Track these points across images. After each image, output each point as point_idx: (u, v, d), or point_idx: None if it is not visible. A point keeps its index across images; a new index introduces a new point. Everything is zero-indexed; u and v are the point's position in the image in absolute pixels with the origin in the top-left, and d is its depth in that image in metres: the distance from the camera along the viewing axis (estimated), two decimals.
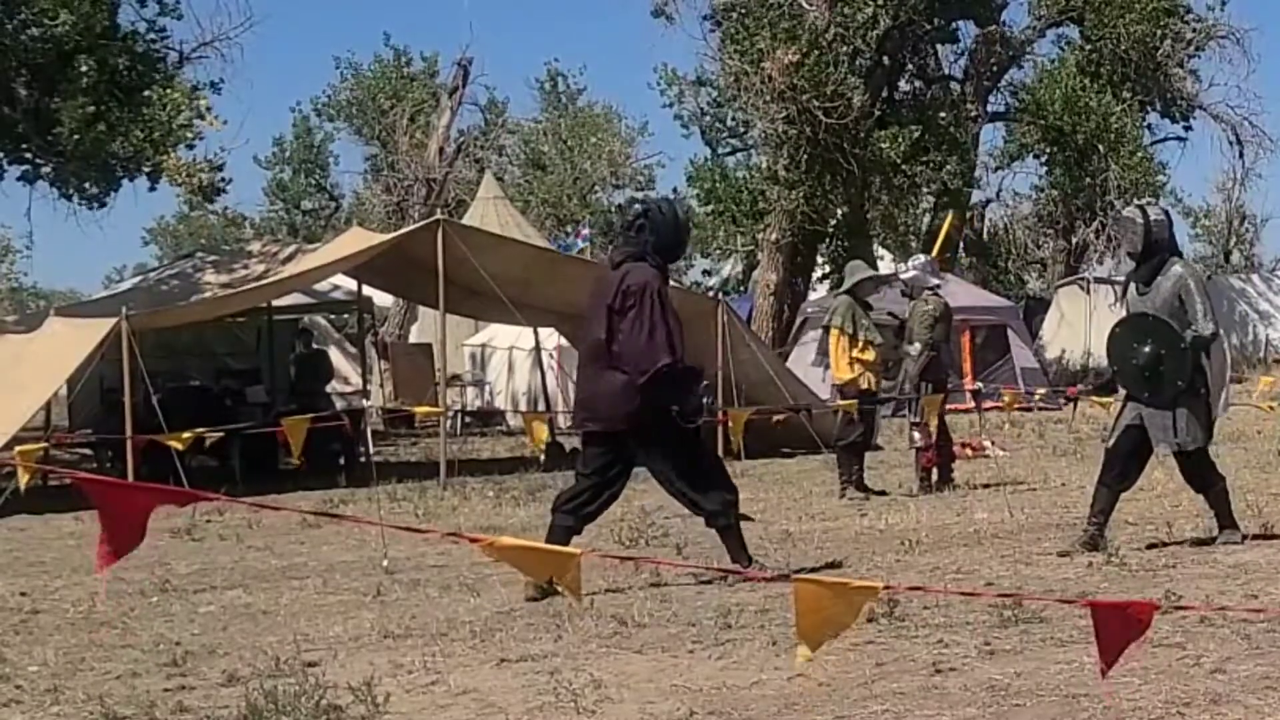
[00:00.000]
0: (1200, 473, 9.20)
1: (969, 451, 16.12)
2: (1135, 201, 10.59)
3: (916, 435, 13.02)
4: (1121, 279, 34.16)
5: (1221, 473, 9.43)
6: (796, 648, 4.26)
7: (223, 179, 20.41)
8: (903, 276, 13.78)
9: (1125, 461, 9.10)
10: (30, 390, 14.99)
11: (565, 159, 42.24)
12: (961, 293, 24.85)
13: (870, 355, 12.94)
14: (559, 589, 7.59)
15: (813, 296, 29.60)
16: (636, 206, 8.66)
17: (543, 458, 15.68)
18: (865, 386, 12.95)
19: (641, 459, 8.41)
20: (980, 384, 21.46)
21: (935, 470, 12.97)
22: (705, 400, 8.30)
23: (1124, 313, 9.37)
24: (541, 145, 42.93)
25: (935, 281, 13.29)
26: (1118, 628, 4.20)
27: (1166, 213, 9.15)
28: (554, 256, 19.83)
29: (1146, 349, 8.85)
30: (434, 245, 15.69)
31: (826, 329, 13.47)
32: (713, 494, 8.33)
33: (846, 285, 13.29)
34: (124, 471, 14.00)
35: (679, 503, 8.59)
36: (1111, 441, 9.23)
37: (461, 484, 14.81)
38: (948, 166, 28.47)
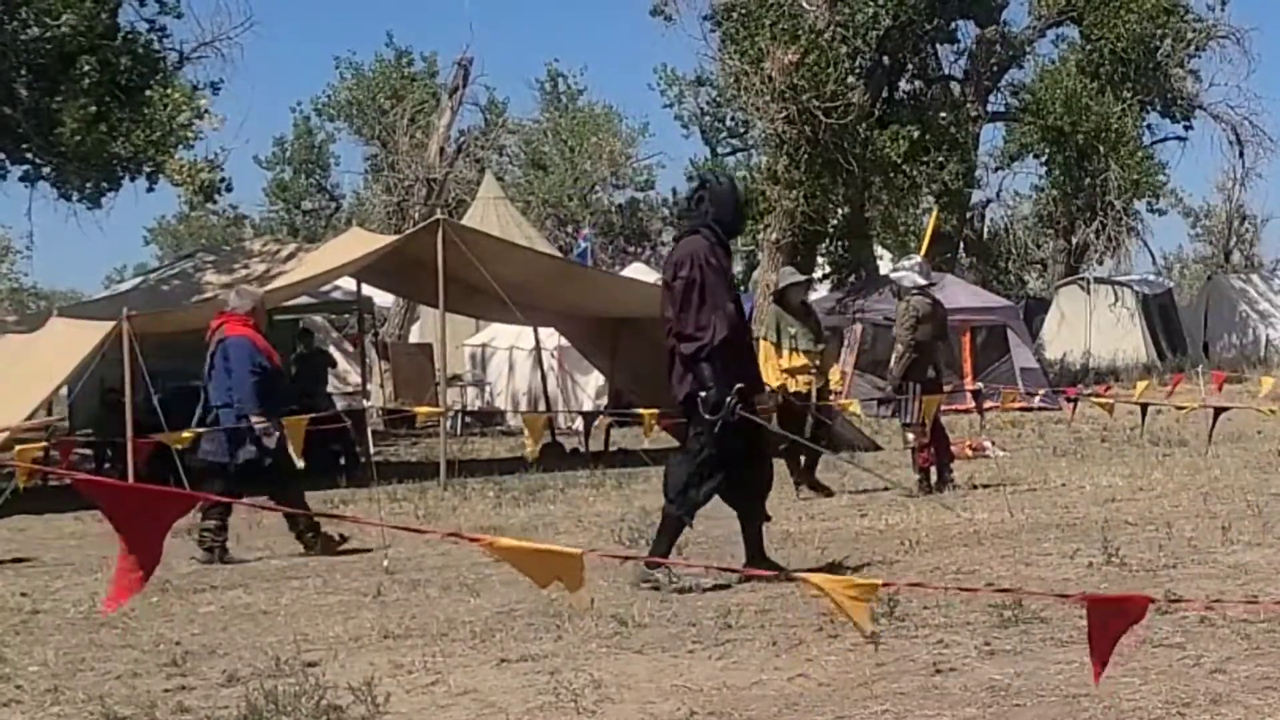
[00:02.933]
0: None
1: (969, 451, 16.12)
2: None
3: (910, 436, 13.03)
4: (1121, 280, 34.02)
5: None
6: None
7: (223, 178, 20.43)
8: (891, 277, 13.88)
9: None
10: (30, 390, 15.00)
11: (565, 159, 42.25)
12: (961, 293, 24.87)
13: (800, 361, 13.00)
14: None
15: (813, 297, 29.60)
16: (695, 181, 8.76)
17: (531, 459, 15.63)
18: (794, 390, 13.01)
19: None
20: (980, 384, 21.46)
21: (934, 470, 12.96)
22: (731, 401, 8.12)
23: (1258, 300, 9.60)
24: (542, 145, 42.94)
25: (922, 281, 13.26)
26: (1112, 623, 4.20)
27: None
28: (553, 263, 19.82)
29: None
30: (434, 246, 15.71)
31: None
32: (681, 482, 8.22)
33: (774, 291, 13.42)
34: (124, 472, 14.00)
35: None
36: None
37: (462, 484, 14.82)
38: (948, 166, 28.48)
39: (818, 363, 13.31)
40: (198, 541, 10.34)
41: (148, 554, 3.78)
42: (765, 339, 13.09)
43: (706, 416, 8.05)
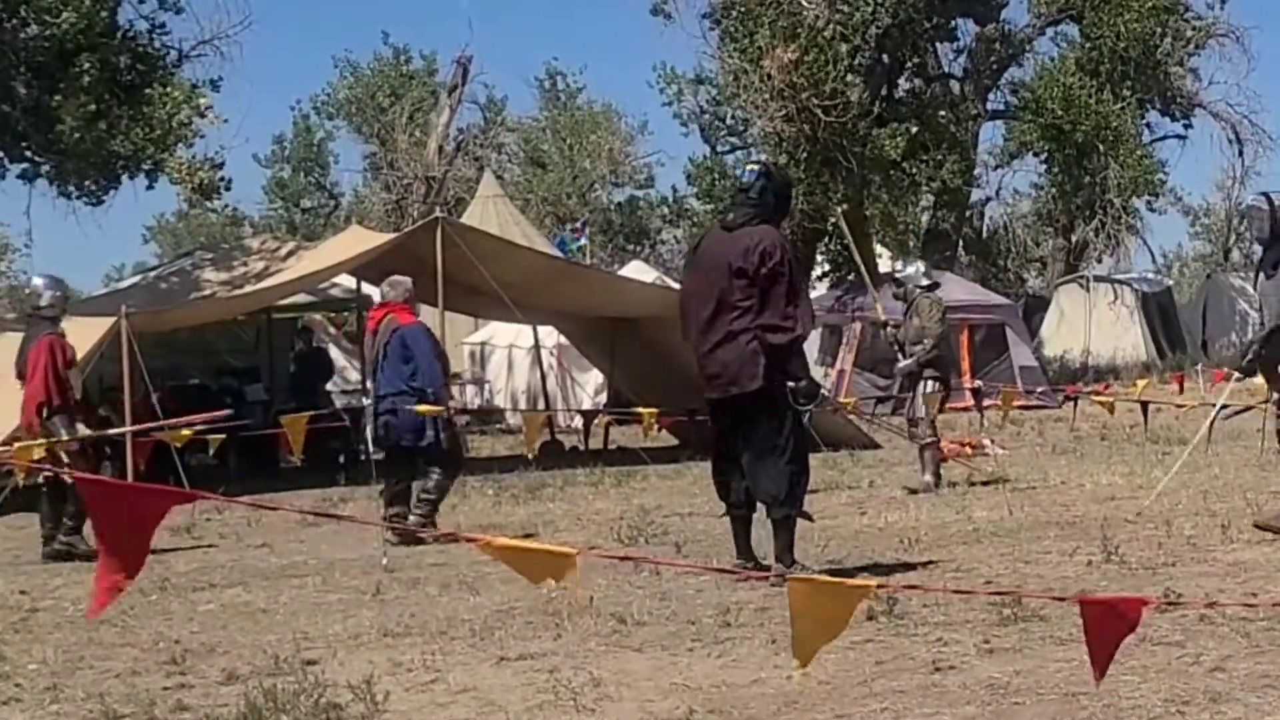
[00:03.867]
0: None
1: (969, 450, 16.10)
2: (1256, 191, 10.83)
3: (919, 431, 13.02)
4: (1121, 278, 33.92)
5: None
6: (793, 655, 4.26)
7: (223, 178, 20.41)
8: (897, 276, 13.97)
9: None
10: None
11: (564, 157, 42.24)
12: (960, 291, 24.87)
13: None
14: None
15: (812, 295, 29.59)
16: (754, 168, 8.44)
17: (530, 456, 15.61)
18: None
19: (744, 429, 8.14)
20: (979, 382, 21.46)
21: (936, 465, 13.01)
22: (824, 392, 8.14)
23: (1256, 304, 9.63)
24: (541, 143, 42.94)
25: (926, 282, 13.36)
26: (1108, 625, 4.20)
27: None
28: (552, 263, 19.82)
29: None
30: (433, 244, 15.71)
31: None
32: (785, 481, 8.10)
33: None
34: (123, 470, 13.99)
35: (749, 477, 8.25)
36: None
37: (461, 482, 14.77)
38: (947, 164, 28.47)
39: None
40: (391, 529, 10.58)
41: (132, 556, 3.77)
42: None
43: (800, 405, 8.04)
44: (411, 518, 10.89)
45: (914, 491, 12.53)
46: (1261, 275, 9.37)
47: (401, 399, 10.89)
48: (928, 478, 12.80)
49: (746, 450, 8.18)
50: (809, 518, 8.53)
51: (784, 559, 8.17)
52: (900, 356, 13.19)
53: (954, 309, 18.46)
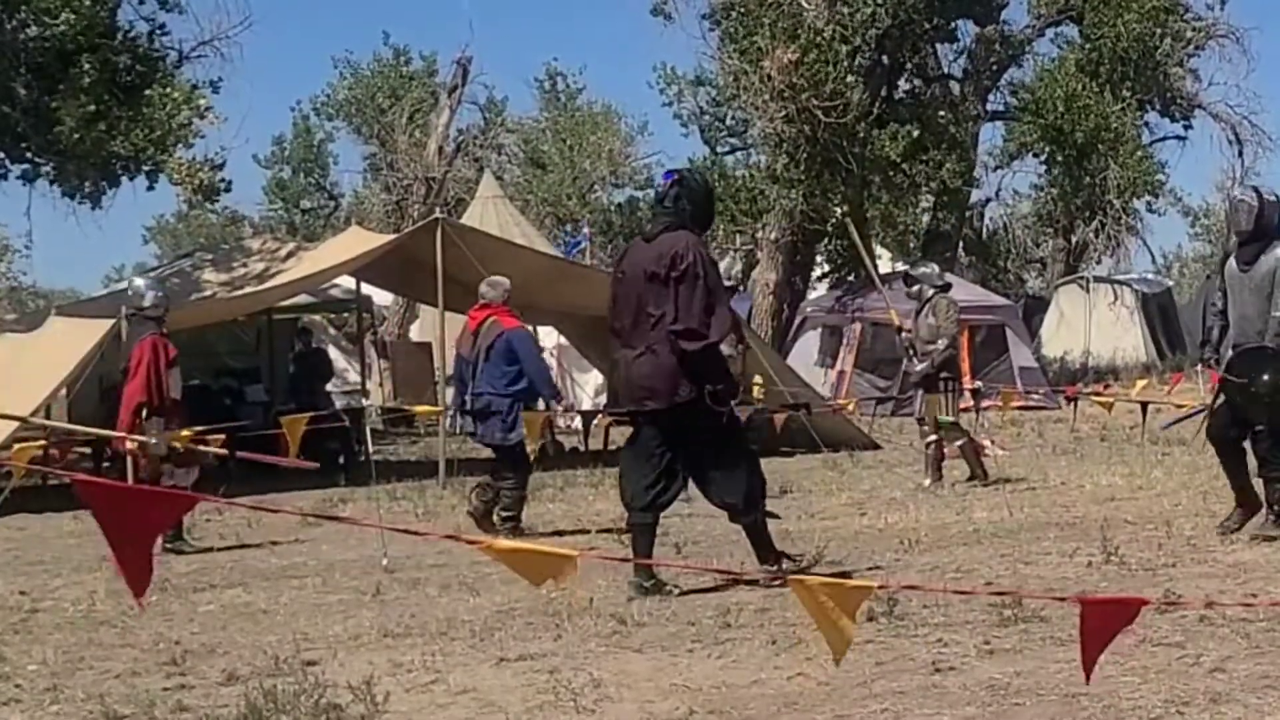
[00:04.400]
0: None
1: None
2: (1248, 185, 10.93)
3: (934, 434, 13.14)
4: (1121, 279, 33.88)
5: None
6: (822, 644, 4.25)
7: (223, 179, 20.40)
8: (911, 274, 14.04)
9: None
10: (30, 390, 14.98)
11: (564, 158, 42.20)
12: (960, 291, 24.86)
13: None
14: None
15: (812, 295, 29.62)
16: (668, 176, 8.35)
17: (532, 455, 15.59)
18: None
19: (678, 442, 8.08)
20: (979, 383, 21.50)
21: (939, 464, 13.11)
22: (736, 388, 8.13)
23: (1218, 288, 9.65)
24: (541, 144, 42.90)
25: (941, 282, 13.51)
26: (1106, 624, 4.20)
27: (1278, 197, 9.42)
28: (552, 263, 19.81)
29: (1265, 378, 9.22)
30: (433, 245, 15.72)
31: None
32: (741, 488, 8.08)
33: None
34: (123, 471, 13.99)
35: (703, 493, 8.31)
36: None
37: (461, 483, 14.80)
38: (947, 165, 28.46)
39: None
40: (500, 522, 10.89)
41: (137, 560, 3.76)
42: None
43: (716, 408, 7.96)
44: (508, 526, 10.94)
45: (986, 483, 12.81)
46: (1232, 263, 9.42)
47: (496, 400, 11.15)
48: (979, 471, 13.13)
49: (691, 465, 8.14)
50: (775, 516, 8.51)
51: (767, 561, 8.17)
52: (913, 358, 13.24)
53: None
